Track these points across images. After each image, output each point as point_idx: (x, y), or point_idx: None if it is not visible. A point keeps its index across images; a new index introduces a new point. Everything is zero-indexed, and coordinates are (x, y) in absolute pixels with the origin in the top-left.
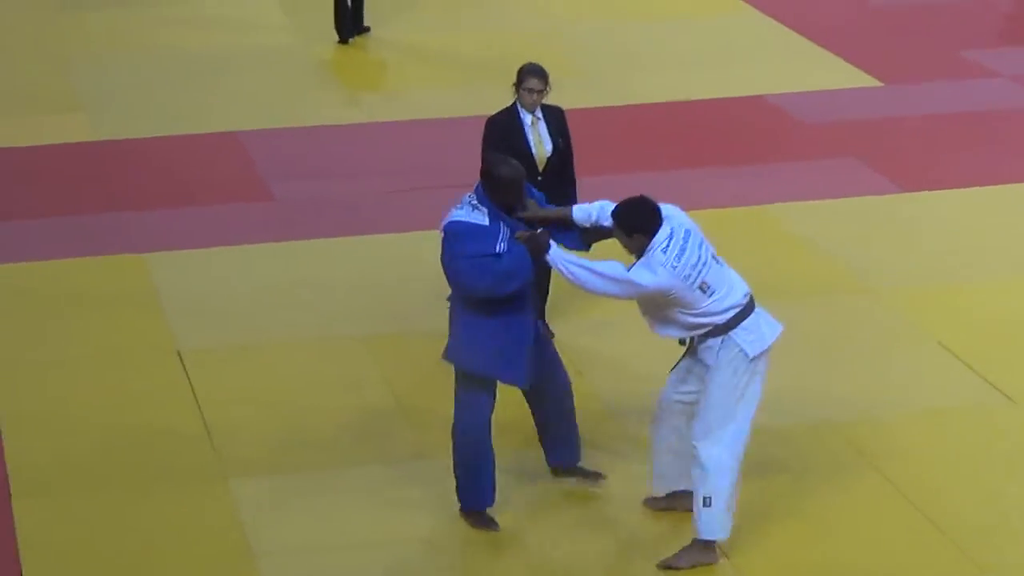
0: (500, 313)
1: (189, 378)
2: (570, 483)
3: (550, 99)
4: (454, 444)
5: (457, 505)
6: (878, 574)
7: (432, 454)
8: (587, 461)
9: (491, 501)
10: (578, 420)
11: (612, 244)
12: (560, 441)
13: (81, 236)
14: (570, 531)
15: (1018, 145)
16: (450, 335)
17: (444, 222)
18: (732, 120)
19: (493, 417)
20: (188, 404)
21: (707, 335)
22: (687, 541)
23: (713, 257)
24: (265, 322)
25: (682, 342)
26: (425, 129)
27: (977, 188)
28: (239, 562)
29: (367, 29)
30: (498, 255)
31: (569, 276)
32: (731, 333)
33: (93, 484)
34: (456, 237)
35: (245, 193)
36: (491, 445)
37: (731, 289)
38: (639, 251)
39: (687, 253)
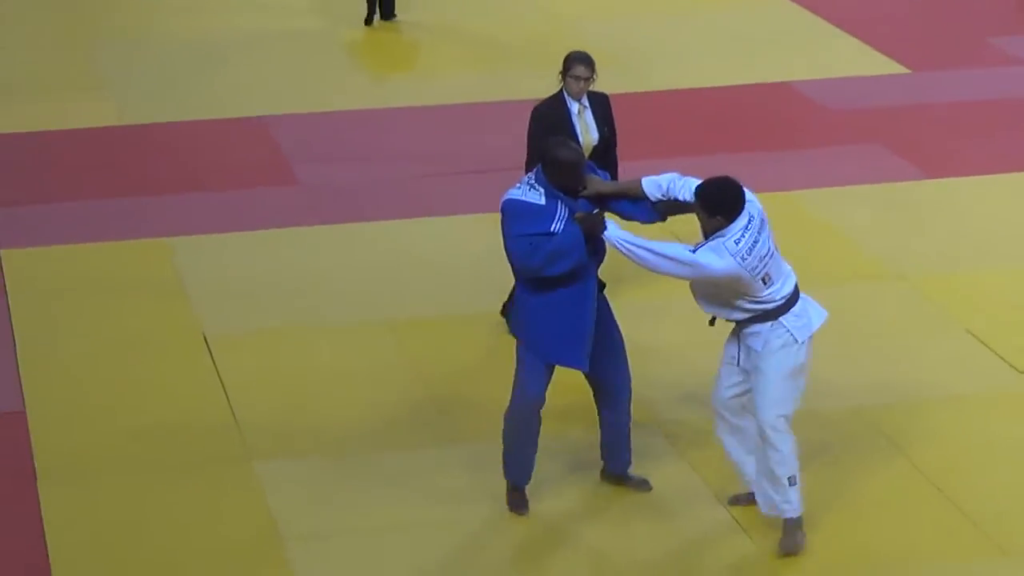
0: (561, 294)
1: (215, 363)
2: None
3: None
4: (507, 415)
5: (488, 489)
6: (903, 556)
7: (460, 439)
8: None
9: (528, 479)
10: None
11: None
12: (612, 446)
13: (105, 220)
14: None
15: None
16: (515, 310)
17: (502, 200)
18: (758, 107)
19: (555, 403)
20: (214, 389)
21: (755, 320)
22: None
23: (775, 247)
24: (291, 307)
25: (712, 322)
26: (452, 114)
27: (1003, 175)
28: (267, 546)
29: (394, 15)
30: (551, 234)
31: (629, 256)
32: (780, 319)
33: (119, 468)
34: (510, 216)
35: (270, 178)
36: (539, 426)
37: (786, 279)
38: (713, 232)
39: (759, 245)
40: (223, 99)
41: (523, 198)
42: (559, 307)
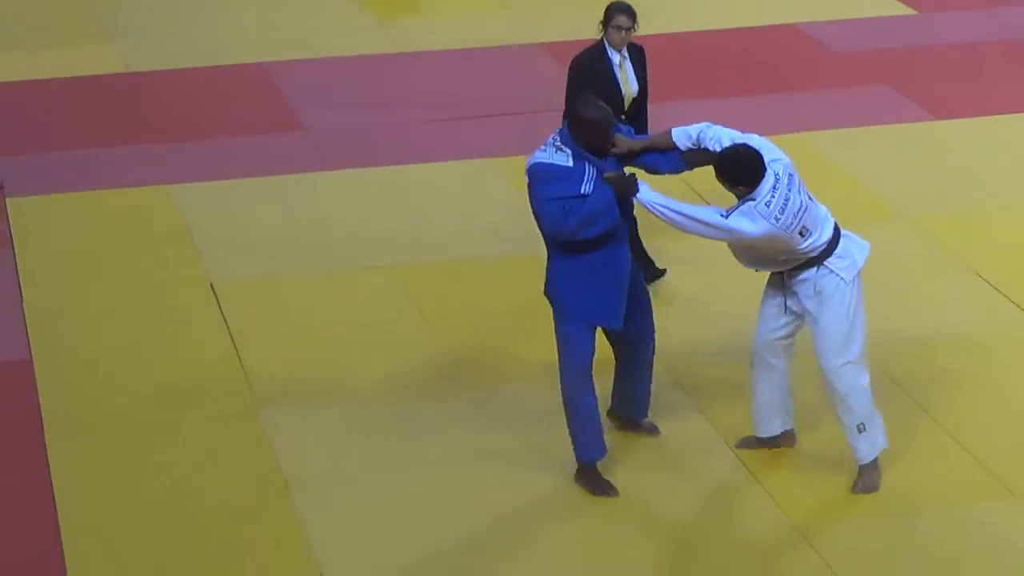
0: (595, 256)
1: (222, 309)
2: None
3: None
4: (564, 395)
5: (499, 437)
6: (910, 497)
7: (469, 387)
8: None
9: (602, 451)
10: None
11: None
12: (630, 392)
13: (111, 168)
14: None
15: None
16: (547, 274)
17: (528, 164)
18: (766, 49)
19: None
20: (221, 335)
21: (800, 267)
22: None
23: (808, 196)
24: (297, 253)
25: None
26: (458, 58)
27: (1011, 115)
28: (273, 492)
29: None
30: (583, 196)
31: (662, 218)
32: (826, 262)
33: (125, 417)
34: (539, 180)
35: (275, 124)
36: (594, 394)
37: (824, 225)
38: (741, 198)
39: (791, 202)
40: (228, 46)
41: (550, 161)
42: (594, 269)
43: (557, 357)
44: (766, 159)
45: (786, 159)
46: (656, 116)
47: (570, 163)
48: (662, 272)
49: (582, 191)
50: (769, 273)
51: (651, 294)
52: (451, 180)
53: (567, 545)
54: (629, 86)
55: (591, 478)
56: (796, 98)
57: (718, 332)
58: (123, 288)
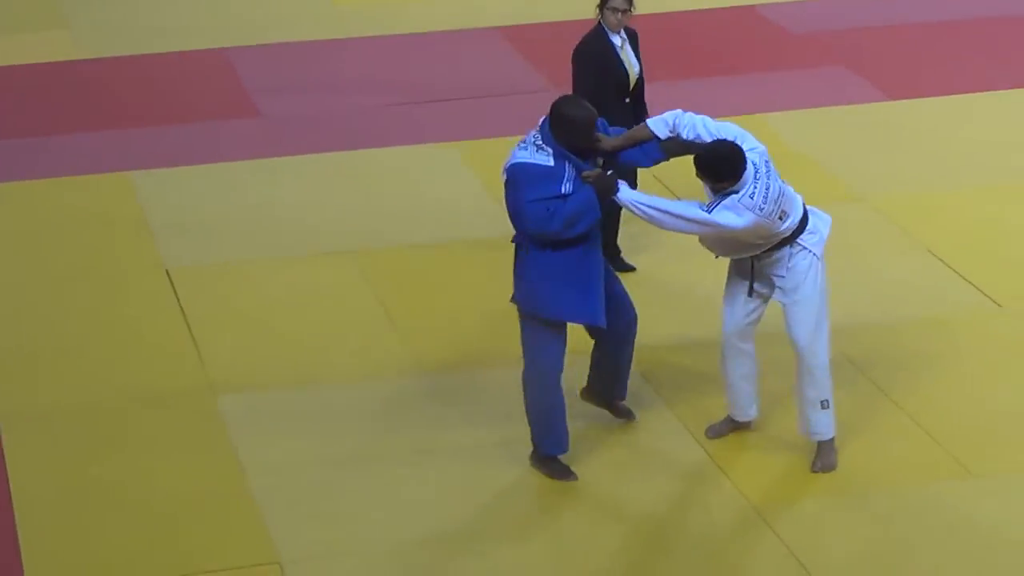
0: (570, 252)
1: (177, 296)
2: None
3: None
4: (528, 390)
5: (454, 419)
6: (868, 477)
7: (424, 370)
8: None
9: (567, 446)
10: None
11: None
12: (609, 377)
13: (67, 155)
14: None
15: (1004, 52)
16: (518, 278)
17: (507, 164)
18: (721, 30)
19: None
20: (177, 322)
21: (773, 248)
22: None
23: (780, 180)
24: (254, 239)
25: (716, 256)
26: (412, 43)
27: (964, 95)
28: (229, 479)
29: None
30: (564, 196)
31: (643, 216)
32: (798, 240)
33: (82, 404)
34: (520, 181)
35: (232, 110)
36: (561, 391)
37: (796, 205)
38: (722, 192)
39: (771, 190)
40: (184, 32)
41: (532, 160)
42: (572, 266)
43: (523, 354)
44: (745, 149)
45: (761, 147)
46: None
47: (551, 162)
48: (631, 267)
49: (562, 191)
50: (729, 260)
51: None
52: (407, 165)
53: (527, 535)
54: (632, 68)
55: (548, 463)
56: (753, 79)
57: (680, 321)
58: (78, 275)
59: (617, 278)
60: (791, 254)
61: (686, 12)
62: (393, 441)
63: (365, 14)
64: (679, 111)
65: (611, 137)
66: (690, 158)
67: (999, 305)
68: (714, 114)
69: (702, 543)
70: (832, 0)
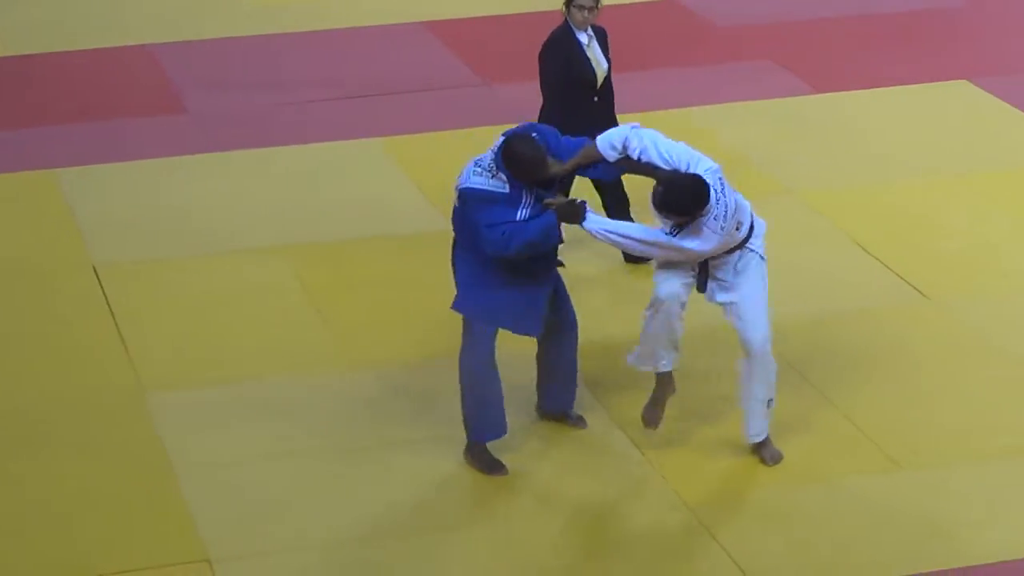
0: (522, 269)
1: (105, 293)
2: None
3: None
4: (464, 376)
5: (385, 415)
6: (798, 472)
7: (356, 366)
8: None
9: (505, 429)
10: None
11: None
12: (557, 387)
13: None
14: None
15: (929, 45)
16: (460, 284)
17: (461, 184)
18: (646, 24)
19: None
20: (104, 319)
21: (724, 253)
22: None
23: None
24: (182, 236)
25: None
26: (339, 38)
27: (890, 88)
28: (159, 476)
29: None
30: (521, 223)
31: (609, 242)
32: (747, 244)
33: (10, 402)
34: (476, 204)
35: (159, 107)
36: (498, 376)
37: (747, 211)
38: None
39: (728, 208)
40: (111, 28)
41: (486, 187)
42: (520, 281)
43: (462, 339)
44: (700, 172)
45: (714, 164)
46: (537, 94)
47: (507, 189)
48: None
49: (518, 217)
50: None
51: None
52: (335, 160)
53: (462, 529)
54: (600, 66)
55: (481, 456)
56: (680, 73)
57: (617, 321)
58: (5, 274)
59: (562, 283)
60: (740, 257)
61: (610, 6)
62: (324, 437)
63: (292, 10)
64: (629, 128)
65: (561, 163)
66: None
67: (927, 297)
68: (640, 109)
69: (639, 538)
70: None
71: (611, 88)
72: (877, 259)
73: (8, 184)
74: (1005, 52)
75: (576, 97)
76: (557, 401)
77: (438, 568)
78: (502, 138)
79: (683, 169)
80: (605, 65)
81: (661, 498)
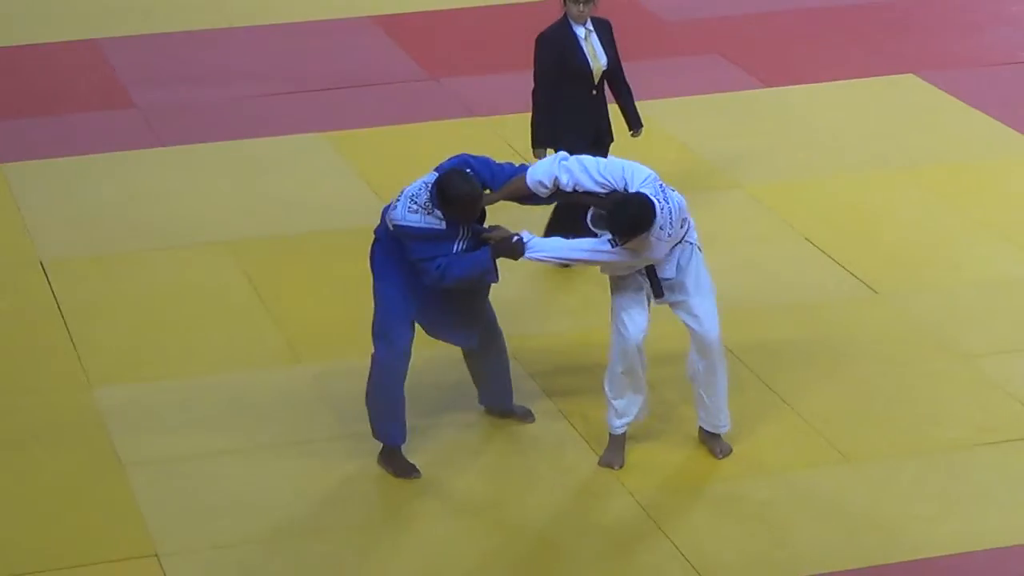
0: (463, 291)
1: (52, 289)
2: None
3: None
4: (372, 380)
5: (331, 409)
6: (746, 465)
7: (301, 360)
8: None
9: (404, 438)
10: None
11: None
12: (498, 389)
13: None
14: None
15: (876, 40)
16: (389, 284)
17: (394, 218)
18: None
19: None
20: (52, 315)
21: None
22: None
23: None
24: (129, 230)
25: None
26: (287, 33)
27: (838, 82)
28: (106, 471)
29: None
30: (456, 256)
31: (557, 263)
32: (685, 238)
33: None
34: (411, 239)
35: (105, 101)
36: (403, 382)
37: (684, 206)
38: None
39: (673, 211)
40: (56, 22)
41: (422, 225)
42: (459, 300)
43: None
44: (637, 185)
45: (650, 172)
46: (474, 88)
47: (443, 225)
48: None
49: (455, 250)
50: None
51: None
52: (282, 155)
53: (407, 523)
54: (597, 60)
55: (394, 460)
56: (627, 68)
57: (565, 318)
58: None
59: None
60: (681, 251)
61: (546, 1)
62: (272, 432)
63: (240, 4)
64: (555, 162)
65: (490, 194)
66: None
67: (874, 291)
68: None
69: (586, 533)
70: None
71: (622, 81)
72: (825, 253)
73: None
74: (951, 46)
75: (569, 90)
76: (496, 399)
77: (386, 561)
78: (435, 173)
79: (620, 187)
80: (604, 60)
81: (609, 492)
